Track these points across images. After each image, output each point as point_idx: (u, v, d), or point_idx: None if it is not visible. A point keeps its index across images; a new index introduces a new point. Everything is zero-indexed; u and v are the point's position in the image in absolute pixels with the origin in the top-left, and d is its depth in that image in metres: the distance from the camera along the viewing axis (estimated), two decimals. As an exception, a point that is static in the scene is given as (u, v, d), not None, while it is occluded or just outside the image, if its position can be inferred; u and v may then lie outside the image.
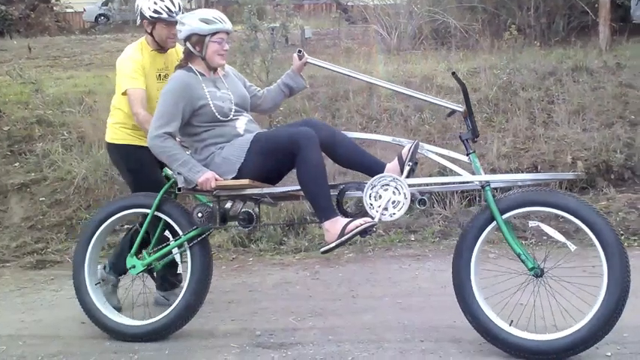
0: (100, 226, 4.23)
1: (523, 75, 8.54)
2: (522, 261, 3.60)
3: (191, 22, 3.88)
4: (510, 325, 3.60)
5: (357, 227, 3.54)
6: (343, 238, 3.56)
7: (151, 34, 4.33)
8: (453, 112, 3.95)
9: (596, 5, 11.46)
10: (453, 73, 3.84)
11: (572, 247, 3.49)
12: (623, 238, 5.44)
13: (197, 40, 3.89)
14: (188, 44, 3.93)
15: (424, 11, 12.73)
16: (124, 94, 4.27)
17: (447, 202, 6.22)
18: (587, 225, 3.46)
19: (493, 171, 6.39)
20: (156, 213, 4.13)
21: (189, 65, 3.97)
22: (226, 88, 3.99)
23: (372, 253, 5.72)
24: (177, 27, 3.97)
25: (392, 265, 5.33)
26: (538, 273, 3.58)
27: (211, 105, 3.85)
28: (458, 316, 4.17)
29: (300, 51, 4.12)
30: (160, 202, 4.11)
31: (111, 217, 4.23)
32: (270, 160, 3.76)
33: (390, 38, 12.35)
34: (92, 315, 4.19)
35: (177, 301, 4.06)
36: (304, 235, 6.01)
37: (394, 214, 3.60)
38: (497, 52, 10.36)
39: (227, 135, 3.87)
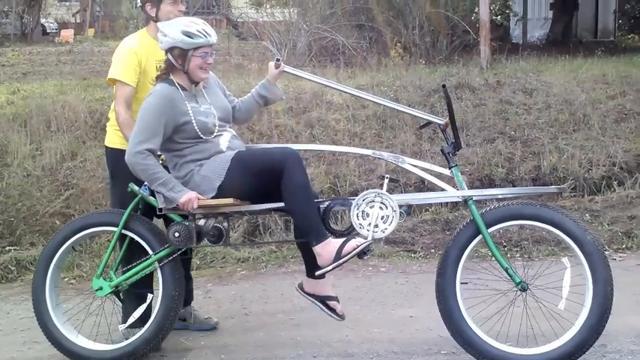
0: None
1: (409, 92, 8.77)
2: (510, 275, 3.59)
3: (173, 33, 3.64)
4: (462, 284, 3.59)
5: (353, 249, 3.45)
6: (340, 261, 3.46)
7: (156, 16, 4.05)
8: (429, 123, 3.94)
9: (477, 25, 11.95)
10: (444, 86, 3.81)
11: (562, 305, 3.51)
12: (505, 249, 5.66)
13: (179, 53, 3.68)
14: (170, 56, 3.72)
15: (313, 28, 12.90)
16: (113, 81, 4.02)
17: (339, 216, 6.27)
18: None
19: (380, 187, 6.49)
20: (123, 231, 3.91)
21: (171, 78, 3.76)
22: (208, 103, 3.80)
23: (265, 269, 5.71)
24: (160, 37, 3.72)
25: (285, 281, 5.33)
26: (525, 287, 3.58)
27: (194, 122, 3.66)
28: (349, 330, 4.24)
29: (278, 59, 3.97)
30: (128, 220, 3.89)
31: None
32: (252, 178, 3.59)
33: (281, 55, 12.44)
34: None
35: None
36: (195, 253, 5.93)
37: (386, 229, 3.53)
38: (384, 69, 10.60)
39: (208, 151, 3.69)
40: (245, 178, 3.60)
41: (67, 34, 23.86)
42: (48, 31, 28.12)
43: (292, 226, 3.91)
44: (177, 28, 3.66)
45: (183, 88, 3.75)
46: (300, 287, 3.88)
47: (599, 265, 3.48)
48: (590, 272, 3.48)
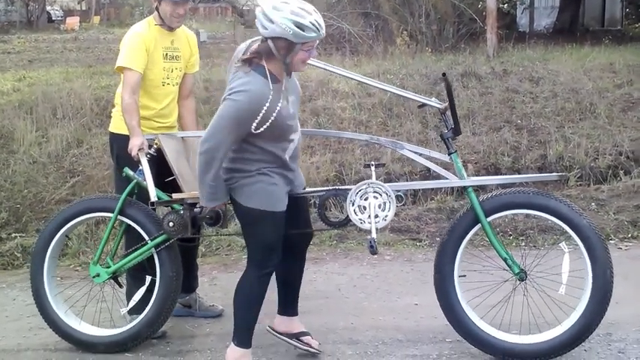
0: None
1: (415, 80, 8.76)
2: (509, 265, 3.55)
3: (282, 22, 3.11)
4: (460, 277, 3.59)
5: None
6: None
7: (157, 9, 4.06)
8: (424, 105, 3.85)
9: (484, 13, 11.90)
10: (444, 75, 3.70)
11: (562, 290, 3.49)
12: (511, 238, 5.65)
13: (285, 45, 3.16)
14: (270, 43, 3.18)
15: (319, 16, 12.86)
16: (121, 70, 3.97)
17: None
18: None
19: (388, 174, 6.51)
20: (119, 217, 3.88)
21: (263, 64, 3.24)
22: (288, 100, 3.36)
23: (269, 257, 5.69)
24: (263, 21, 3.17)
25: (290, 269, 5.32)
26: (523, 277, 3.55)
27: (276, 122, 3.25)
28: (355, 318, 4.24)
29: None
30: (124, 205, 3.85)
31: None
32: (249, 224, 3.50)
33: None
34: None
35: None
36: (201, 241, 5.93)
37: (386, 216, 3.48)
38: (390, 57, 10.58)
39: (276, 159, 3.41)
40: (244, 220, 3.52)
41: (73, 21, 23.91)
42: (53, 18, 28.21)
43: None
44: (286, 16, 3.12)
45: (275, 80, 3.26)
46: (272, 328, 3.84)
47: (597, 248, 3.44)
48: (588, 256, 3.45)
